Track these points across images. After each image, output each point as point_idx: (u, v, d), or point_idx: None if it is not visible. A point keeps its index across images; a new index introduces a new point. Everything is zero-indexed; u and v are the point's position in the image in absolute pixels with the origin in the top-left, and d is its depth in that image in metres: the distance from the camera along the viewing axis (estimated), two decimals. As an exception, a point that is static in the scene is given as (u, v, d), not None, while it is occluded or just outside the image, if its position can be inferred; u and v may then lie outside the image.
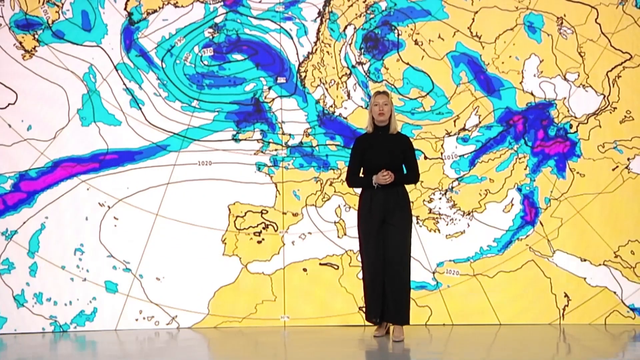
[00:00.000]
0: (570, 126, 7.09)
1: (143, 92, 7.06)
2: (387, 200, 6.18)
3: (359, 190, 6.43)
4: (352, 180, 6.36)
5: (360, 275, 6.97)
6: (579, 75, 7.13)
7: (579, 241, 7.04)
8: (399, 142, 6.30)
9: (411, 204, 6.33)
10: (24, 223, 6.89)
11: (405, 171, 6.32)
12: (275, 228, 7.05)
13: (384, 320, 6.31)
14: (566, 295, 6.99)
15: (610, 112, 7.09)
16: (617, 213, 7.05)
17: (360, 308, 6.95)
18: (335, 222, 7.07)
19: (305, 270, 6.99)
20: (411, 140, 6.42)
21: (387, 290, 6.16)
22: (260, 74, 7.11)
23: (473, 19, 7.15)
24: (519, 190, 7.04)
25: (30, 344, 6.45)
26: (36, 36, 6.99)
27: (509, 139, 7.08)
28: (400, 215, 6.20)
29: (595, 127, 7.10)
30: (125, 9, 7.09)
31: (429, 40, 7.14)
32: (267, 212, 7.06)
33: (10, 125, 6.93)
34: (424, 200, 7.07)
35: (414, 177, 6.33)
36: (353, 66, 7.14)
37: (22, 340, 6.57)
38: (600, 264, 7.01)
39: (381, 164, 6.17)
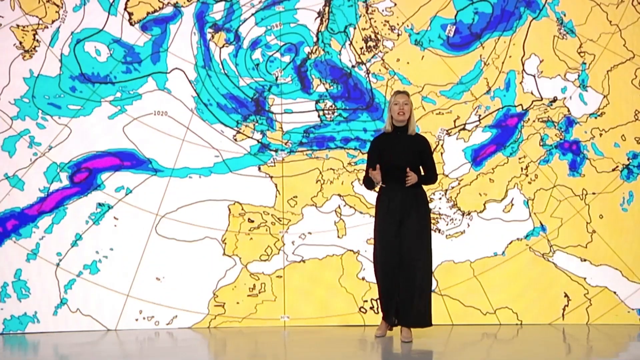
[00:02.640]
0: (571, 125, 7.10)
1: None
2: (404, 202, 6.12)
3: (367, 192, 6.40)
4: (367, 182, 6.28)
5: (361, 275, 7.00)
6: (579, 75, 7.13)
7: (579, 241, 7.03)
8: (418, 143, 6.23)
9: (429, 204, 6.28)
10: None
11: (422, 172, 6.26)
12: (274, 228, 7.06)
13: (397, 321, 6.26)
14: (566, 295, 6.99)
15: (610, 112, 7.11)
16: (617, 213, 7.05)
17: (360, 308, 6.97)
18: (335, 222, 7.07)
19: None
20: (428, 141, 6.36)
21: (400, 291, 6.12)
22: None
23: (473, 19, 7.15)
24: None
25: (29, 343, 6.44)
26: (36, 36, 7.00)
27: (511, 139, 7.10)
28: (417, 216, 6.12)
29: (595, 127, 7.10)
30: (125, 9, 7.09)
31: (430, 40, 7.15)
32: (267, 212, 7.06)
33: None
34: (424, 200, 7.06)
35: (432, 178, 6.27)
36: (353, 66, 7.14)
37: (23, 340, 6.56)
38: (600, 264, 7.02)
39: (399, 165, 6.12)
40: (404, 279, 6.08)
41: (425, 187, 6.22)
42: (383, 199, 6.20)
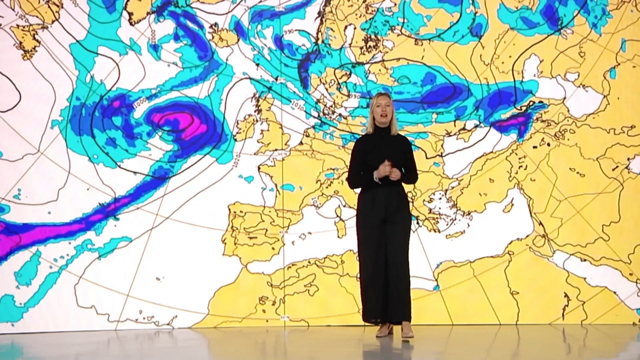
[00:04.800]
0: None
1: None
2: (388, 200, 6.17)
3: (358, 191, 6.42)
4: (353, 181, 6.34)
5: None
6: (579, 75, 7.13)
7: (579, 241, 7.03)
8: (400, 143, 6.29)
9: (410, 204, 6.34)
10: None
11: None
12: (272, 226, 7.06)
13: (387, 319, 6.28)
14: (566, 295, 6.99)
15: (610, 112, 7.11)
16: (617, 213, 7.04)
17: (360, 309, 6.97)
18: (335, 222, 7.07)
19: None
20: (410, 142, 6.40)
21: (391, 289, 6.15)
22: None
23: (473, 19, 7.16)
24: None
25: (30, 344, 6.45)
26: (36, 36, 7.00)
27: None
28: (401, 214, 6.20)
29: (595, 127, 7.10)
30: (125, 8, 7.09)
31: (429, 41, 7.15)
32: (267, 211, 7.06)
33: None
34: (424, 200, 7.06)
35: (412, 178, 6.33)
36: (353, 66, 7.15)
37: (21, 341, 6.57)
38: (600, 264, 7.02)
39: None
40: (394, 276, 6.13)
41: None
42: (366, 198, 6.23)
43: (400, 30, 7.16)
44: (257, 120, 7.11)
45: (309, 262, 7.04)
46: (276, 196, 7.08)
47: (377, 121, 6.26)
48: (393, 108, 6.29)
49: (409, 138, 6.50)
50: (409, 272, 6.18)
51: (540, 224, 7.05)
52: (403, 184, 6.29)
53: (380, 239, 6.18)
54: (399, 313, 6.17)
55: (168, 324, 6.96)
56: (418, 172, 6.35)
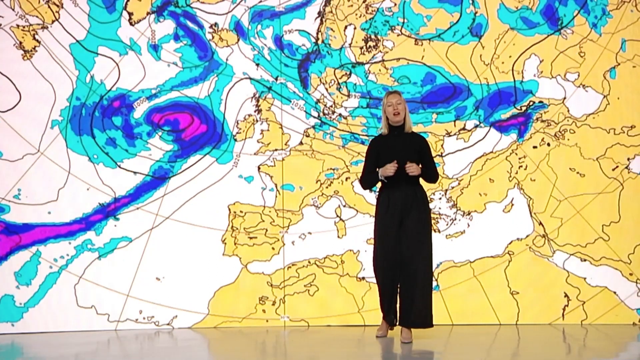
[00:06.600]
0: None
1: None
2: (404, 201, 6.09)
3: (367, 192, 6.39)
4: (363, 182, 6.28)
5: (361, 275, 7.00)
6: (579, 75, 7.13)
7: (579, 241, 7.03)
8: (414, 141, 6.19)
9: (430, 204, 6.21)
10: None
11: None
12: (272, 226, 7.06)
13: (397, 321, 6.24)
14: (566, 295, 6.99)
15: (610, 112, 7.10)
16: (617, 213, 7.04)
17: (360, 309, 6.98)
18: (335, 222, 7.07)
19: None
20: (426, 139, 6.29)
21: (400, 292, 6.09)
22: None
23: (473, 19, 7.16)
24: None
25: (30, 344, 6.45)
26: (36, 36, 7.00)
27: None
28: (417, 215, 6.07)
29: (595, 127, 7.10)
30: (125, 8, 7.10)
31: (429, 41, 7.15)
32: (267, 211, 7.06)
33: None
34: (424, 200, 7.06)
35: (433, 176, 6.21)
36: (353, 66, 7.15)
37: (21, 341, 6.57)
38: (600, 264, 7.01)
39: (398, 164, 6.09)
40: (404, 280, 6.06)
41: (425, 187, 6.21)
42: (382, 199, 6.17)
43: (400, 30, 7.17)
44: (257, 120, 7.11)
45: (309, 262, 7.05)
46: (276, 196, 7.08)
47: (391, 120, 6.18)
48: (405, 105, 6.20)
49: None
50: (422, 276, 6.01)
51: (540, 224, 7.05)
52: (422, 184, 6.19)
53: (396, 241, 6.08)
54: (401, 317, 6.11)
55: (168, 324, 6.96)
56: None
